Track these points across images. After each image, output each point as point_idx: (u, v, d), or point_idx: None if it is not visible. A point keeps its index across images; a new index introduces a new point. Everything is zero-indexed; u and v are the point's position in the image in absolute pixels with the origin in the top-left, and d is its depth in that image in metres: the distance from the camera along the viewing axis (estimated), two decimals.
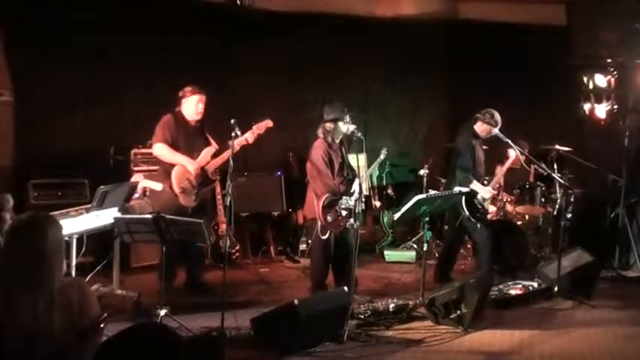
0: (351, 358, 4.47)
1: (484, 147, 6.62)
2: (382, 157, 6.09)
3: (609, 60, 7.17)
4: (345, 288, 4.92)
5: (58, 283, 2.67)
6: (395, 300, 5.43)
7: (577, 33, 7.52)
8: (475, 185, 6.06)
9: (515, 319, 5.34)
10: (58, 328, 2.60)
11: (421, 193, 6.11)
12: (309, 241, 6.23)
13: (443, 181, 6.88)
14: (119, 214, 5.20)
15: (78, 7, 6.61)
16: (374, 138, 7.37)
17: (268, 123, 5.75)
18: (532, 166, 7.30)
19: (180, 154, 5.64)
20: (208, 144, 5.78)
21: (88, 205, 5.37)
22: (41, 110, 6.62)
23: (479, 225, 6.11)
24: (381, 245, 7.78)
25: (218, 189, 6.50)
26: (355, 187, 5.60)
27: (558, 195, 6.92)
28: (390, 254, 7.53)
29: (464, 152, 6.14)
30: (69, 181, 6.48)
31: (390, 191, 8.21)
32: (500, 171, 6.49)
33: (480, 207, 6.12)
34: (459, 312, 5.00)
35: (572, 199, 6.93)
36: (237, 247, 7.11)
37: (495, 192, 6.50)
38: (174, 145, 5.63)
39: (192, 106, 5.68)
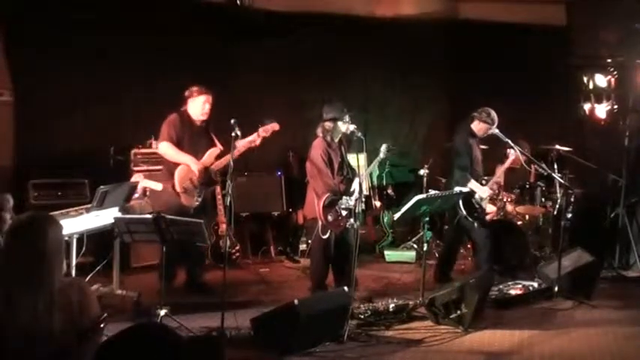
0: (351, 358, 4.47)
1: (484, 147, 6.62)
2: (382, 155, 6.08)
3: (609, 60, 7.17)
4: (345, 288, 4.92)
5: (58, 283, 2.67)
6: (395, 300, 5.43)
7: (577, 33, 7.52)
8: (473, 184, 6.06)
9: (515, 319, 5.34)
10: (58, 328, 2.60)
11: (421, 193, 6.10)
12: (309, 241, 6.23)
13: (443, 180, 6.88)
14: (119, 214, 5.20)
15: (78, 7, 6.61)
16: (374, 138, 7.37)
17: (275, 126, 5.75)
18: (532, 166, 7.30)
19: (184, 153, 5.64)
20: (213, 144, 5.79)
21: (88, 205, 5.37)
22: (41, 110, 6.62)
23: (476, 224, 6.11)
24: (381, 245, 7.78)
25: (218, 189, 6.50)
26: (355, 186, 5.60)
27: (558, 195, 6.92)
28: (390, 254, 7.53)
29: (461, 151, 6.15)
30: (69, 181, 6.48)
31: (390, 191, 8.22)
32: (500, 171, 6.49)
33: (477, 206, 6.12)
34: (459, 312, 5.00)
35: (572, 199, 6.93)
36: (237, 247, 7.11)
37: (493, 192, 6.49)
38: (179, 145, 5.63)
39: (198, 106, 5.68)
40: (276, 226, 7.72)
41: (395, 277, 6.69)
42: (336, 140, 5.80)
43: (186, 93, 5.71)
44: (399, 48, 8.24)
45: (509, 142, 6.07)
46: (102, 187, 5.29)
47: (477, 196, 6.09)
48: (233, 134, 5.02)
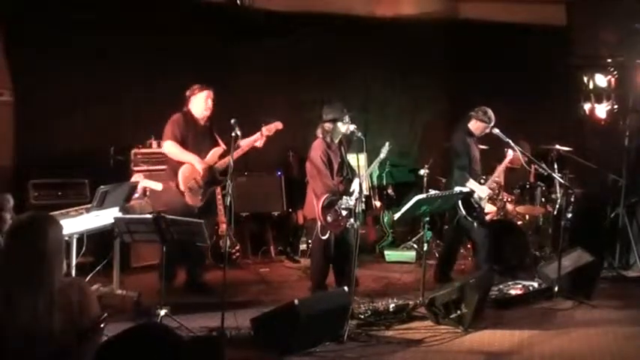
0: (351, 358, 4.47)
1: (484, 147, 6.63)
2: (382, 155, 6.09)
3: (609, 60, 7.17)
4: (345, 288, 4.92)
5: (58, 283, 2.67)
6: (395, 300, 5.43)
7: (577, 33, 7.52)
8: (471, 184, 6.06)
9: (515, 319, 5.34)
10: (58, 328, 2.60)
11: (421, 193, 6.10)
12: (309, 241, 6.23)
13: (443, 180, 6.88)
14: (119, 214, 5.20)
15: (78, 7, 6.61)
16: (374, 138, 7.37)
17: (278, 125, 5.79)
18: (532, 166, 7.30)
19: (189, 152, 5.64)
20: (216, 144, 5.79)
21: (88, 205, 5.37)
22: (41, 110, 6.62)
23: (475, 224, 6.11)
24: (381, 245, 7.78)
25: (218, 189, 6.49)
26: (355, 186, 5.60)
27: (558, 195, 6.92)
28: (390, 254, 7.53)
29: (460, 151, 6.15)
30: (69, 181, 6.48)
31: (390, 191, 8.22)
32: (498, 170, 6.49)
33: (476, 206, 6.12)
34: (459, 312, 5.00)
35: (572, 199, 6.93)
36: (237, 247, 7.12)
37: (491, 192, 6.49)
38: (183, 144, 5.63)
39: (201, 103, 5.69)
40: (276, 226, 7.73)
41: (395, 277, 6.69)
42: (336, 141, 5.80)
43: (188, 92, 5.72)
44: (399, 48, 8.24)
45: (510, 142, 6.07)
46: (102, 187, 5.29)
47: (475, 195, 6.09)
48: (233, 134, 5.03)
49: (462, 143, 6.18)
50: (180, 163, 5.63)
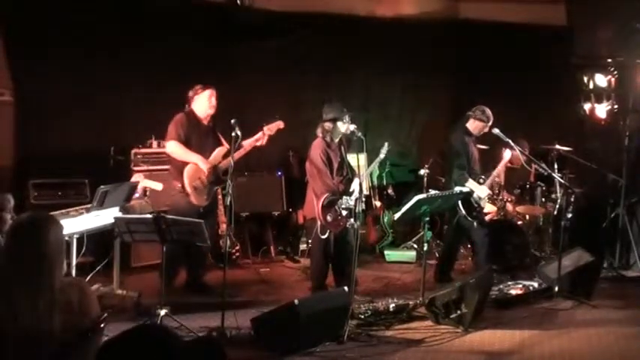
0: (351, 358, 4.48)
1: (484, 147, 6.63)
2: (382, 155, 6.08)
3: (609, 60, 7.16)
4: (345, 288, 4.92)
5: (58, 283, 2.67)
6: (395, 300, 5.44)
7: (577, 33, 7.51)
8: (470, 183, 6.06)
9: (515, 319, 5.34)
10: (59, 328, 2.60)
11: (421, 193, 6.11)
12: (309, 241, 6.23)
13: (443, 180, 6.88)
14: (119, 214, 5.20)
15: (78, 7, 6.61)
16: (374, 138, 7.37)
17: (280, 124, 5.80)
18: (532, 166, 7.30)
19: (193, 152, 5.64)
20: (220, 144, 5.79)
21: (88, 205, 5.37)
22: (41, 110, 6.61)
23: (475, 224, 6.11)
24: (381, 245, 7.78)
25: (219, 189, 6.50)
26: (355, 186, 5.60)
27: (558, 195, 6.92)
28: (390, 254, 7.53)
29: (459, 151, 6.15)
30: (69, 181, 6.47)
31: (390, 191, 8.21)
32: (497, 170, 6.48)
33: (476, 205, 6.12)
34: (459, 312, 5.00)
35: (572, 199, 6.93)
36: (237, 247, 7.12)
37: (491, 192, 6.49)
38: (186, 144, 5.63)
39: (205, 102, 5.68)
40: (276, 226, 7.72)
41: (395, 277, 6.69)
42: (336, 140, 5.80)
43: (191, 92, 5.70)
44: (399, 48, 8.23)
45: (510, 141, 6.07)
46: (102, 187, 5.29)
47: (475, 195, 6.09)
48: (233, 134, 5.03)
49: (460, 143, 6.18)
50: (185, 163, 5.62)
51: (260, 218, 7.58)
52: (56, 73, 6.61)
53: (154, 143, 6.82)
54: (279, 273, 6.95)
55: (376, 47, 8.19)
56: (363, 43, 8.09)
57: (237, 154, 5.57)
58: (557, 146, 6.91)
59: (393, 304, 5.29)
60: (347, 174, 5.80)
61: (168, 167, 5.98)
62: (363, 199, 5.58)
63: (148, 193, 6.16)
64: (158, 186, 6.05)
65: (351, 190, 5.64)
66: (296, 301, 4.47)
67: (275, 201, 7.54)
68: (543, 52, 7.83)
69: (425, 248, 5.79)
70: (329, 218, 5.55)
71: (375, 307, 5.26)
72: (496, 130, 6.08)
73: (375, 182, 8.07)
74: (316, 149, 5.68)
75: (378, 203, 7.94)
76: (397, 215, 5.69)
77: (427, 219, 5.79)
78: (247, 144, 5.67)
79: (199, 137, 5.70)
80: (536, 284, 5.99)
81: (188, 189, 5.58)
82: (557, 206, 6.95)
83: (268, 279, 6.68)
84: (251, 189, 7.36)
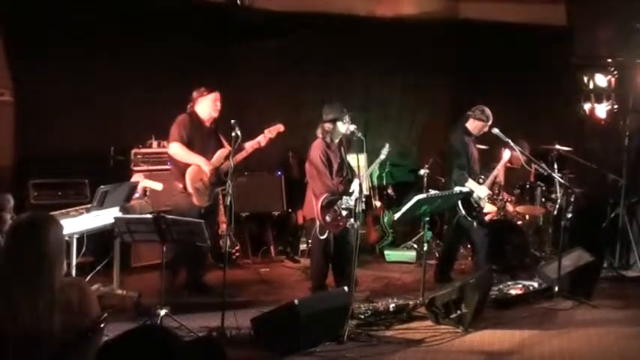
0: (351, 358, 4.48)
1: (484, 147, 6.63)
2: (383, 156, 6.08)
3: (609, 60, 7.16)
4: (345, 288, 4.92)
5: (58, 283, 2.67)
6: (395, 300, 5.44)
7: (577, 33, 7.51)
8: (470, 183, 6.06)
9: (515, 319, 5.34)
10: (59, 328, 2.60)
11: (421, 193, 6.11)
12: (309, 241, 6.23)
13: (443, 180, 6.88)
14: (119, 214, 5.20)
15: (78, 7, 6.61)
16: (374, 138, 7.37)
17: (279, 127, 5.81)
18: (532, 166, 7.30)
19: (195, 154, 5.64)
20: (221, 145, 5.79)
21: (88, 205, 5.37)
22: (41, 110, 6.62)
23: (475, 224, 6.12)
24: (381, 245, 7.78)
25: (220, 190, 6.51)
26: (355, 186, 5.60)
27: (558, 195, 6.92)
28: (390, 254, 7.53)
29: (459, 150, 6.15)
30: (69, 181, 6.47)
31: (390, 191, 8.21)
32: (496, 170, 6.48)
33: (475, 205, 6.12)
34: (459, 312, 5.00)
35: (572, 199, 6.93)
36: (237, 247, 7.12)
37: (490, 192, 6.49)
38: (189, 145, 5.62)
39: (209, 105, 5.67)
40: (276, 226, 7.72)
41: (395, 277, 6.69)
42: (336, 141, 5.80)
43: (195, 94, 5.69)
44: (399, 48, 8.23)
45: (510, 141, 6.07)
46: (102, 187, 5.29)
47: (475, 195, 6.09)
48: (233, 134, 5.03)
49: (460, 143, 6.18)
50: (187, 165, 5.61)
51: (260, 218, 7.58)
52: (56, 73, 6.61)
53: (154, 143, 6.82)
54: (279, 273, 6.95)
55: (376, 47, 8.19)
56: (363, 43, 8.08)
57: (239, 157, 5.58)
58: (557, 146, 6.90)
59: (393, 304, 5.29)
60: (347, 174, 5.80)
61: (170, 167, 5.98)
62: (363, 200, 5.57)
63: (147, 193, 6.16)
64: (158, 186, 6.05)
65: (350, 190, 5.64)
66: (296, 301, 4.47)
67: (275, 201, 7.54)
68: (543, 52, 7.83)
69: (425, 248, 5.79)
70: (328, 218, 5.55)
71: (375, 307, 5.26)
72: (496, 130, 6.08)
73: (375, 182, 8.07)
74: (316, 150, 5.68)
75: (378, 203, 7.94)
76: (397, 215, 5.69)
77: (427, 219, 5.80)
78: (249, 146, 5.68)
79: (202, 139, 5.70)
80: (536, 284, 5.99)
81: (190, 190, 5.57)
82: (557, 206, 6.95)
83: (268, 279, 6.68)
84: (251, 189, 7.37)
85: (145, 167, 6.67)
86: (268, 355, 4.51)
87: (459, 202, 6.00)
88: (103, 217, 5.27)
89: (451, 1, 8.54)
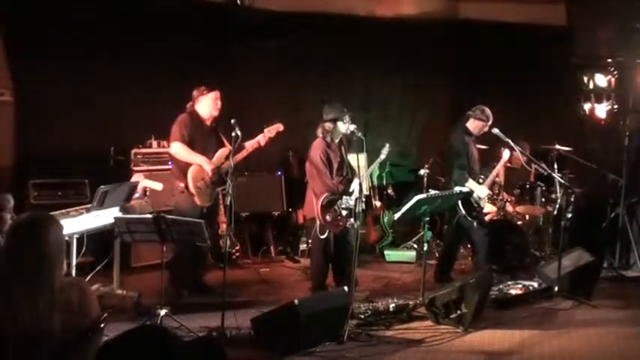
0: (351, 358, 4.48)
1: (483, 147, 6.63)
2: (383, 156, 6.08)
3: (609, 60, 7.16)
4: (345, 288, 4.92)
5: (58, 283, 2.67)
6: (395, 300, 5.44)
7: (577, 33, 7.51)
8: (471, 183, 6.06)
9: (515, 319, 5.34)
10: (59, 328, 2.60)
11: (421, 193, 6.11)
12: (309, 241, 6.24)
13: (443, 180, 6.88)
14: (119, 214, 5.20)
15: (78, 7, 6.61)
16: (374, 138, 7.37)
17: (279, 127, 5.81)
18: (532, 166, 7.30)
19: (196, 153, 5.64)
20: (222, 144, 5.79)
21: (88, 205, 5.38)
22: (41, 110, 6.62)
23: (475, 224, 6.12)
24: (381, 245, 7.78)
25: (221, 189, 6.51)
26: (355, 186, 5.60)
27: (558, 195, 6.92)
28: (390, 254, 7.53)
29: (459, 150, 6.15)
30: (69, 181, 6.47)
31: (390, 191, 8.21)
32: (495, 170, 6.48)
33: (476, 205, 6.12)
34: (459, 312, 5.00)
35: (572, 199, 6.93)
36: (237, 247, 7.12)
37: (490, 192, 6.49)
38: (190, 145, 5.61)
39: (210, 104, 5.67)
40: (276, 226, 7.72)
41: (395, 277, 6.69)
42: (336, 141, 5.80)
43: (195, 93, 5.68)
44: (399, 48, 8.23)
45: (510, 142, 6.07)
46: (102, 187, 5.29)
47: (475, 195, 6.09)
48: (233, 134, 5.04)
49: (461, 143, 6.18)
50: (188, 164, 5.61)
51: (260, 218, 7.58)
52: (56, 73, 6.61)
53: (154, 143, 6.82)
54: (279, 273, 6.95)
55: (376, 47, 8.19)
56: (363, 43, 8.08)
57: (240, 156, 5.58)
58: (557, 146, 6.90)
59: (393, 304, 5.29)
60: (347, 174, 5.80)
61: (171, 167, 5.98)
62: (363, 199, 5.57)
63: (147, 193, 6.16)
64: (158, 186, 6.05)
65: (351, 190, 5.65)
66: (296, 301, 4.47)
67: (275, 201, 7.54)
68: (543, 52, 7.83)
69: (425, 248, 5.79)
70: (328, 218, 5.55)
71: (375, 307, 5.26)
72: (496, 130, 6.08)
73: (375, 182, 8.07)
74: (316, 149, 5.68)
75: (378, 203, 7.93)
76: (397, 215, 5.69)
77: (427, 219, 5.79)
78: (249, 145, 5.68)
79: (203, 138, 5.69)
80: (536, 284, 5.99)
81: (192, 190, 5.57)
82: (557, 206, 6.94)
83: (268, 279, 6.68)
84: (251, 189, 7.36)
85: (145, 167, 6.67)
86: (268, 355, 4.51)
87: (459, 202, 6.00)
88: (103, 217, 5.27)
89: (451, 1, 8.54)
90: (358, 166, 5.64)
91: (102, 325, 2.74)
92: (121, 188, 5.58)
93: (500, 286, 5.92)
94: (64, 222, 3.08)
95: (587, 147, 7.45)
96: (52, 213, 3.75)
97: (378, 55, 8.27)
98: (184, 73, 6.85)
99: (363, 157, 6.77)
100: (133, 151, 6.73)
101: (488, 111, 6.18)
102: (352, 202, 5.50)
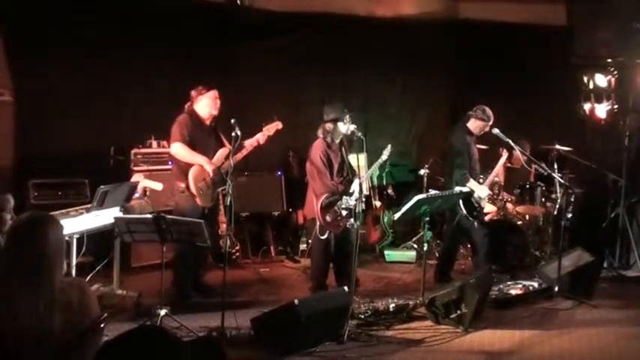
0: (351, 358, 4.48)
1: (484, 146, 6.63)
2: (384, 157, 6.07)
3: (609, 60, 7.17)
4: (345, 288, 4.92)
5: (58, 283, 2.67)
6: (395, 300, 5.44)
7: (577, 33, 7.51)
8: (471, 184, 6.07)
9: (515, 319, 5.34)
10: (59, 328, 2.60)
11: (421, 193, 6.11)
12: (309, 241, 6.23)
13: (443, 180, 6.88)
14: (119, 214, 5.20)
15: (78, 7, 6.61)
16: (374, 138, 7.38)
17: (278, 125, 5.81)
18: (532, 166, 7.30)
19: (197, 153, 5.63)
20: (222, 144, 5.78)
21: (88, 205, 5.37)
22: (41, 110, 6.62)
23: (475, 223, 6.12)
24: (381, 245, 7.78)
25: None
26: (355, 187, 5.60)
27: (558, 195, 6.92)
28: (390, 254, 7.53)
29: (461, 150, 6.15)
30: (69, 181, 6.47)
31: (390, 191, 8.21)
32: (495, 170, 6.48)
33: (476, 205, 6.12)
34: (459, 312, 5.00)
35: (572, 199, 6.92)
36: (237, 247, 7.12)
37: (491, 192, 6.49)
38: (191, 145, 5.61)
39: (209, 103, 5.65)
40: (276, 226, 7.72)
41: (395, 277, 6.69)
42: (337, 141, 5.80)
43: (194, 92, 5.66)
44: (399, 48, 8.23)
45: (510, 141, 6.08)
46: (102, 187, 5.29)
47: (475, 195, 6.09)
48: (233, 134, 5.03)
49: (462, 142, 6.18)
50: (189, 165, 5.60)
51: (260, 218, 7.58)
52: (56, 73, 6.61)
53: (154, 143, 6.82)
54: (279, 273, 6.94)
55: (376, 47, 8.18)
56: (363, 43, 8.08)
57: (239, 155, 5.58)
58: (557, 146, 6.91)
59: (393, 304, 5.29)
60: (347, 174, 5.80)
61: (171, 167, 5.97)
62: (363, 200, 5.57)
63: (148, 193, 6.16)
64: (158, 186, 6.05)
65: (351, 190, 5.64)
66: (296, 301, 4.47)
67: (275, 201, 7.53)
68: (543, 52, 7.83)
69: (425, 248, 5.79)
70: (328, 219, 5.55)
71: (375, 307, 5.26)
72: (496, 130, 6.08)
73: (375, 182, 8.07)
74: (317, 150, 5.69)
75: (378, 203, 7.93)
76: (397, 215, 5.69)
77: (427, 219, 5.79)
78: (248, 144, 5.68)
79: (203, 138, 5.69)
80: (536, 284, 5.99)
81: (193, 190, 5.56)
82: (557, 206, 6.94)
83: (268, 279, 6.68)
84: (251, 189, 7.36)
85: (145, 167, 6.67)
86: (268, 355, 4.51)
87: (461, 202, 5.99)
88: (103, 217, 5.27)
89: (451, 1, 8.54)
90: (358, 166, 5.64)
91: (102, 325, 2.74)
92: (121, 188, 5.58)
93: (500, 286, 5.92)
94: (64, 222, 3.07)
95: (587, 147, 7.45)
96: (52, 213, 3.74)
97: (378, 55, 8.27)
98: (184, 73, 6.85)
99: (363, 157, 6.77)
100: (133, 151, 6.73)
101: (489, 111, 6.19)
102: (352, 203, 5.50)
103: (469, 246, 6.92)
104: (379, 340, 4.79)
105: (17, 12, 6.45)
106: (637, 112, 7.07)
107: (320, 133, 5.77)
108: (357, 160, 5.58)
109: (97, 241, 5.55)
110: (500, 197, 7.07)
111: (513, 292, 5.85)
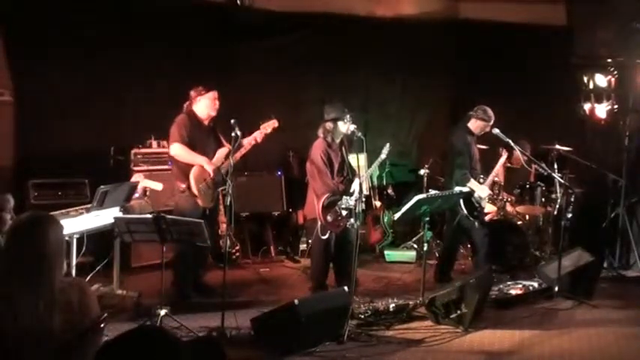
0: (351, 358, 4.48)
1: (483, 146, 6.63)
2: (383, 156, 6.08)
3: (609, 60, 7.17)
4: (345, 288, 4.92)
5: (58, 283, 2.67)
6: (395, 300, 5.44)
7: (577, 33, 7.51)
8: (472, 184, 6.07)
9: (515, 319, 5.34)
10: (59, 328, 2.60)
11: (421, 193, 6.11)
12: (310, 241, 6.23)
13: (443, 180, 6.88)
14: (119, 214, 5.20)
15: (78, 7, 6.61)
16: (374, 138, 7.37)
17: (274, 123, 5.81)
18: (532, 166, 7.30)
19: (196, 154, 5.63)
20: (221, 144, 5.78)
21: (88, 205, 5.37)
22: (41, 110, 6.62)
23: (476, 223, 6.12)
24: (381, 245, 7.78)
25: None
26: (355, 186, 5.60)
27: (558, 195, 6.92)
28: (390, 254, 7.53)
29: (462, 150, 6.15)
30: (69, 181, 6.47)
31: (390, 191, 8.21)
32: (495, 170, 6.48)
33: (477, 205, 6.12)
34: (459, 312, 5.00)
35: (572, 199, 6.92)
36: (237, 247, 7.11)
37: (491, 192, 6.49)
38: (190, 145, 5.60)
39: (208, 104, 5.65)
40: (276, 226, 7.72)
41: (395, 277, 6.69)
42: (337, 141, 5.80)
43: (193, 93, 5.66)
44: (399, 48, 8.23)
45: (510, 141, 6.08)
46: (102, 187, 5.29)
47: (476, 195, 6.09)
48: (233, 134, 5.03)
49: (463, 142, 6.18)
50: (189, 165, 5.60)
51: (260, 218, 7.58)
52: (56, 73, 6.61)
53: (154, 143, 6.82)
54: (279, 273, 6.94)
55: (376, 47, 8.18)
56: (363, 43, 8.08)
57: (238, 154, 5.57)
58: (557, 146, 6.91)
59: (393, 304, 5.29)
60: (347, 174, 5.80)
61: (171, 167, 5.97)
62: (363, 200, 5.57)
63: (147, 193, 6.16)
64: (158, 186, 6.05)
65: (351, 190, 5.65)
66: (296, 301, 4.47)
67: (275, 201, 7.53)
68: (543, 52, 7.83)
69: (425, 248, 5.79)
70: (329, 218, 5.55)
71: (375, 307, 5.26)
72: (496, 130, 6.08)
73: (375, 182, 8.07)
74: (317, 149, 5.69)
75: (378, 203, 7.93)
76: (397, 215, 5.69)
77: (427, 219, 5.80)
78: (246, 142, 5.67)
79: (202, 138, 5.69)
80: (536, 284, 5.99)
81: (194, 191, 5.56)
82: (557, 206, 6.94)
83: (268, 279, 6.68)
84: (251, 189, 7.36)
85: (144, 167, 6.67)
86: (268, 355, 4.51)
87: (461, 202, 5.99)
88: (103, 217, 5.27)
89: (451, 1, 8.54)
90: (358, 166, 5.64)
91: (102, 325, 2.74)
92: (121, 188, 5.58)
93: (500, 286, 5.92)
94: (64, 222, 3.07)
95: (587, 147, 7.45)
96: (52, 213, 3.74)
97: (378, 55, 8.27)
98: (184, 73, 6.85)
99: (363, 157, 6.77)
100: (133, 151, 6.73)
101: (490, 111, 6.19)
102: (352, 203, 5.50)
103: (469, 246, 6.92)
104: (379, 340, 4.79)
105: (17, 12, 6.45)
106: (637, 112, 7.07)
107: (320, 132, 5.77)
108: (357, 160, 5.58)
109: (97, 241, 5.55)
110: (501, 197, 7.07)
111: (513, 292, 5.85)
